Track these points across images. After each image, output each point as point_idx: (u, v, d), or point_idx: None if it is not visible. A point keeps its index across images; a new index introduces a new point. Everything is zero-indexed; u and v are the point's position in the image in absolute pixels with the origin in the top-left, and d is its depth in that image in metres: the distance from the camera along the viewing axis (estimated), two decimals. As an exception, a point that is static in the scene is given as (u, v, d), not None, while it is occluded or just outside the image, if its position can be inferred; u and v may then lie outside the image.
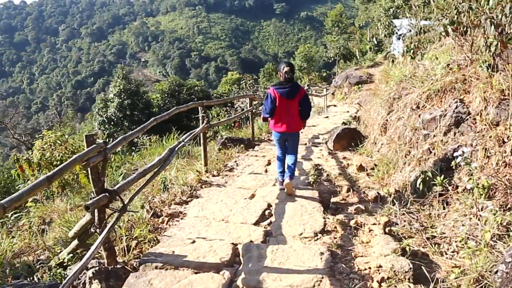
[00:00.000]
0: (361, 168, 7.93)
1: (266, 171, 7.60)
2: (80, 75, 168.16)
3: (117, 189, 3.65)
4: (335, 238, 4.54)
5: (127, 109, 25.82)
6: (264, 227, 4.82)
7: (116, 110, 25.82)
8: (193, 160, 8.62)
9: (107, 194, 3.49)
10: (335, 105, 25.93)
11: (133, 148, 14.33)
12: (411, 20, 18.52)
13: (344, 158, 8.81)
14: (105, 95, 29.43)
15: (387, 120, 8.48)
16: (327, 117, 17.60)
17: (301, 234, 4.55)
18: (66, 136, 9.79)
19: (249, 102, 10.38)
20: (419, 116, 7.36)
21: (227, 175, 7.28)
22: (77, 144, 9.40)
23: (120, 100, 25.93)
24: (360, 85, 29.45)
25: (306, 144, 10.39)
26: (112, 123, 25.81)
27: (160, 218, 5.13)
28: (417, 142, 7.18)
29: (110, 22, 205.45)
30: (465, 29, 6.60)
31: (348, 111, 20.71)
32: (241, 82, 25.41)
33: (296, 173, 7.18)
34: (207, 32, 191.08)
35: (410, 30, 19.03)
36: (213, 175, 7.18)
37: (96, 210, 3.50)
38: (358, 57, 39.21)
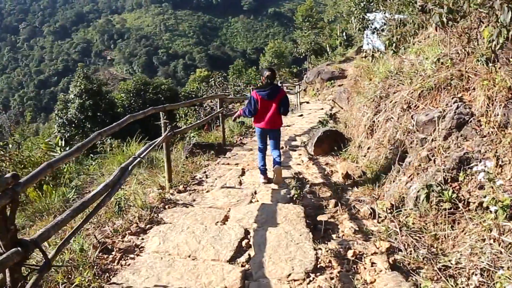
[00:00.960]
0: (347, 176, 7.06)
1: (240, 183, 6.61)
2: (43, 74, 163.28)
3: (37, 239, 2.60)
4: (331, 278, 3.59)
5: (89, 110, 24.28)
6: (242, 265, 3.83)
7: (77, 112, 24.23)
8: (157, 170, 7.57)
9: (19, 248, 2.44)
10: (307, 102, 25.19)
11: (92, 154, 13.07)
12: (385, 13, 17.89)
13: (327, 164, 7.93)
14: (65, 95, 27.73)
15: (373, 121, 7.64)
16: (302, 115, 16.76)
17: (289, 275, 3.58)
18: (10, 146, 8.55)
19: (219, 103, 9.37)
20: (412, 117, 6.54)
21: (195, 189, 6.25)
22: (28, 153, 8.23)
23: (81, 100, 24.35)
24: (332, 81, 28.90)
25: (282, 148, 9.48)
26: (73, 125, 24.25)
27: (111, 254, 4.09)
28: (411, 147, 6.37)
29: (73, 20, 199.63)
30: (461, 19, 5.83)
31: (322, 108, 19.98)
32: (210, 80, 24.21)
33: (276, 186, 6.25)
34: (174, 30, 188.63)
35: (384, 24, 18.39)
36: (179, 191, 6.14)
37: (7, 270, 2.44)
38: (328, 53, 38.72)
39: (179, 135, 10.47)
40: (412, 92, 6.99)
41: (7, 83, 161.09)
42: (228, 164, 7.83)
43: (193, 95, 28.44)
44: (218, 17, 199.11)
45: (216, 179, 6.74)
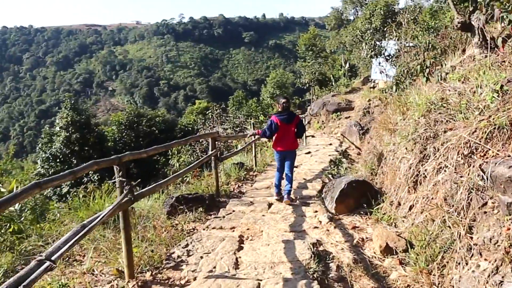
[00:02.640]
0: (387, 250, 5.00)
1: (236, 264, 4.50)
2: (44, 104, 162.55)
3: None
4: None
5: (75, 144, 22.26)
6: None
7: (62, 146, 22.23)
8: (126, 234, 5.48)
9: None
10: (313, 136, 23.19)
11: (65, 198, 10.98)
12: (399, 40, 16.07)
13: (355, 228, 5.85)
14: (51, 128, 25.78)
15: (419, 171, 5.63)
16: (309, 152, 14.74)
17: None
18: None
19: (211, 144, 7.39)
20: (481, 167, 4.55)
21: (168, 279, 4.16)
22: None
23: (68, 134, 22.37)
24: (339, 113, 27.08)
25: (293, 200, 7.46)
26: (57, 160, 22.17)
27: None
28: (485, 213, 4.37)
29: (76, 50, 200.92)
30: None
31: (331, 144, 18.03)
32: (207, 112, 22.23)
33: (289, 273, 4.19)
34: (176, 61, 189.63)
35: (399, 50, 16.59)
36: (142, 283, 4.05)
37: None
38: (333, 83, 37.14)
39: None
40: (473, 132, 5.03)
41: (8, 112, 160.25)
42: (221, 228, 5.75)
43: (190, 128, 26.60)
44: (220, 49, 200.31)
45: (201, 257, 4.63)
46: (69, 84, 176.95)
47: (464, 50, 10.33)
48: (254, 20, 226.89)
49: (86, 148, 22.75)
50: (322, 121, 28.22)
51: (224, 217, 6.27)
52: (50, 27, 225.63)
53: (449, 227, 4.66)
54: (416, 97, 6.88)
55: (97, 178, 18.42)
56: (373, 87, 28.30)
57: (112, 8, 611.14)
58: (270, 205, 7.06)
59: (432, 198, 5.26)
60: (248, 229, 5.70)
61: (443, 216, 4.86)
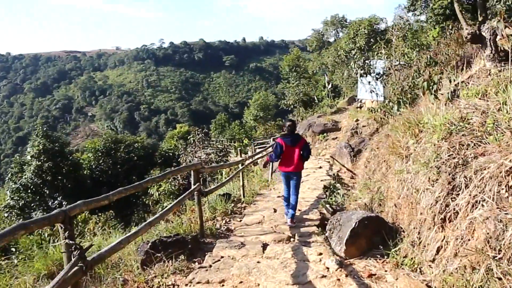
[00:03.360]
0: (418, 309, 3.97)
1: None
2: (22, 131, 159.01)
3: None
4: None
5: (48, 174, 20.82)
6: None
7: (34, 175, 20.77)
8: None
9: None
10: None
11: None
12: (388, 58, 15.29)
13: (371, 276, 4.78)
14: (21, 157, 24.29)
15: (447, 206, 4.64)
16: (300, 177, 13.77)
17: None
18: None
19: (194, 177, 6.27)
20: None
21: None
22: None
23: (39, 162, 20.94)
24: (325, 134, 26.27)
25: (287, 239, 6.39)
26: (29, 191, 20.67)
27: None
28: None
29: (55, 77, 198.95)
30: None
31: (320, 167, 17.04)
32: (189, 137, 21.04)
33: None
34: (157, 85, 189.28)
35: (389, 68, 15.82)
36: None
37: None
38: (318, 103, 36.54)
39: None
40: (513, 157, 4.10)
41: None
42: (208, 283, 4.60)
43: (171, 154, 25.40)
44: (200, 72, 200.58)
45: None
46: (47, 110, 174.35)
47: (468, 64, 9.58)
48: (235, 44, 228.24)
49: (60, 177, 21.31)
50: (308, 143, 27.34)
51: (210, 266, 5.13)
52: (28, 54, 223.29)
53: (499, 278, 3.68)
54: (431, 117, 5.95)
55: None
56: (360, 107, 27.63)
57: (91, 35, 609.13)
58: (264, 246, 5.96)
59: (469, 240, 4.27)
60: (241, 282, 4.60)
61: (488, 264, 3.87)
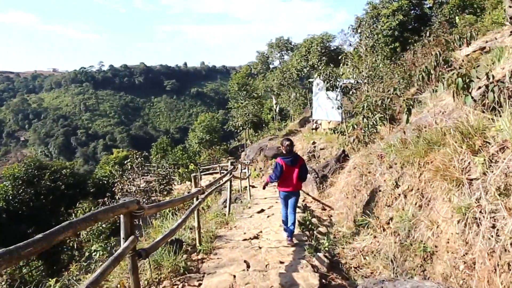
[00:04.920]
0: None
1: None
2: None
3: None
4: None
5: None
6: None
7: None
8: None
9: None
10: (253, 186, 19.71)
11: None
12: (358, 70, 13.47)
13: None
14: None
15: None
16: (262, 210, 11.27)
17: None
18: None
19: (125, 224, 3.51)
20: None
21: None
22: None
23: None
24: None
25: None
26: None
27: None
28: None
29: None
30: None
31: (281, 196, 14.63)
32: (126, 162, 17.83)
33: None
34: (95, 109, 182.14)
35: (357, 82, 13.91)
36: None
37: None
38: (268, 125, 34.63)
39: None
40: None
41: None
42: None
43: (105, 182, 22.11)
44: (141, 97, 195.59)
45: None
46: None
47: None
48: (176, 68, 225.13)
49: (-35, 212, 17.54)
50: (260, 168, 25.07)
51: None
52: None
53: None
54: (507, 122, 3.75)
55: None
56: (316, 128, 25.86)
57: (26, 55, 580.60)
58: None
59: None
60: None
61: None
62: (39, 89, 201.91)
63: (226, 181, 10.89)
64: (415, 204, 5.39)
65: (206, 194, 7.50)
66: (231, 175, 11.44)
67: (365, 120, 11.01)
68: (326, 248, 6.50)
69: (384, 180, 7.32)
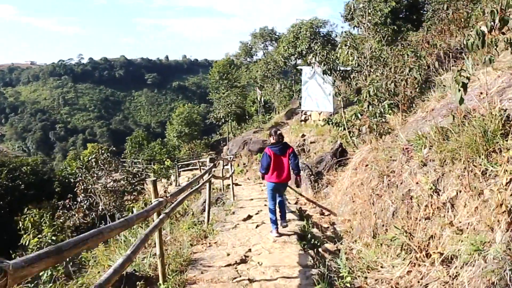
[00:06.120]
0: None
1: None
2: None
3: None
4: None
5: None
6: None
7: None
8: None
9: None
10: (237, 184, 17.65)
11: None
12: (361, 52, 11.88)
13: None
14: None
15: None
16: (250, 217, 9.29)
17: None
18: None
19: None
20: None
21: None
22: None
23: None
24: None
25: None
26: None
27: None
28: None
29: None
30: None
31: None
32: (89, 158, 15.03)
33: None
34: (74, 103, 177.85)
35: (358, 65, 12.26)
36: None
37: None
38: (252, 118, 32.66)
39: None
40: None
41: None
42: None
43: (72, 180, 19.82)
44: (121, 90, 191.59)
45: None
46: None
47: None
48: (157, 62, 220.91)
49: None
50: (244, 164, 23.10)
51: None
52: None
53: None
54: None
55: None
56: (305, 120, 23.90)
57: (2, 47, 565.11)
58: None
59: None
60: None
61: None
62: (16, 82, 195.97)
63: (204, 182, 8.85)
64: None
65: (172, 206, 5.30)
66: (211, 175, 9.36)
67: (370, 108, 9.15)
68: (347, 284, 4.54)
69: (417, 183, 5.42)
